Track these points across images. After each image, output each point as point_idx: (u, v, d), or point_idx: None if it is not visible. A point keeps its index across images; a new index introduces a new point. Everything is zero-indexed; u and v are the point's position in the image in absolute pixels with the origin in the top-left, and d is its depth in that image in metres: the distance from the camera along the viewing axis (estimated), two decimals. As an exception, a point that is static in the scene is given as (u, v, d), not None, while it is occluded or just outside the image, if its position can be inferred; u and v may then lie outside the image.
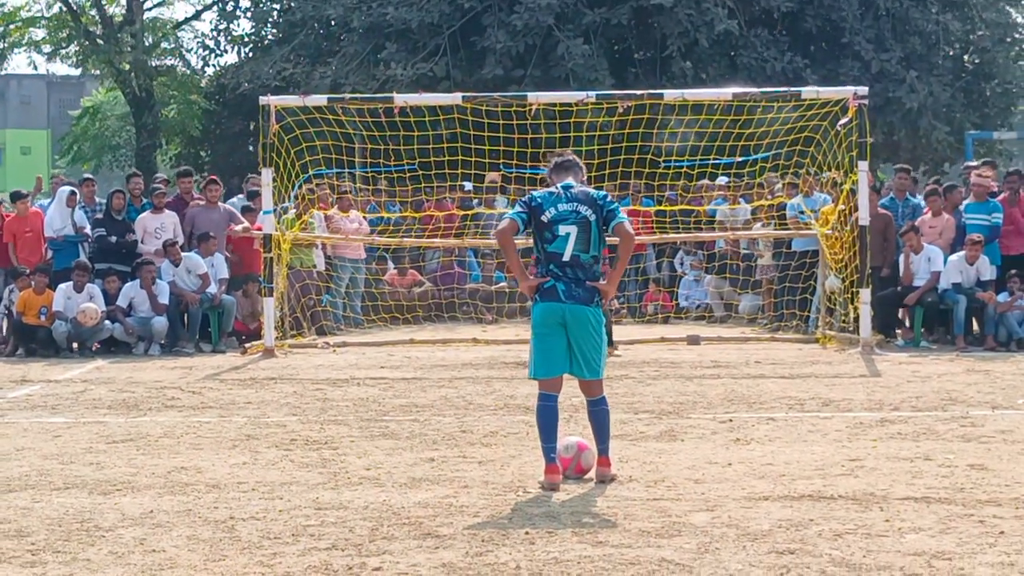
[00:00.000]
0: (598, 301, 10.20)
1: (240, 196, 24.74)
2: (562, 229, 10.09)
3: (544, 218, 10.14)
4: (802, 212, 22.08)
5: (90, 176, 24.08)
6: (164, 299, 20.80)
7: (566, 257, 10.10)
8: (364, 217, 24.41)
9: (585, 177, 10.67)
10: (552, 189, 10.35)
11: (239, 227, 22.41)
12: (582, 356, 10.16)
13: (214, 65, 42.48)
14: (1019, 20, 40.05)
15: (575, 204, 10.14)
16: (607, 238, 10.36)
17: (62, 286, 20.73)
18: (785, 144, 22.87)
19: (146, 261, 21.17)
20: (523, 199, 10.47)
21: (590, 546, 8.16)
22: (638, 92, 22.36)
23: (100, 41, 41.64)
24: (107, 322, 20.61)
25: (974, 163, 25.69)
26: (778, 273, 22.71)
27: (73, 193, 22.10)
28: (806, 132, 21.86)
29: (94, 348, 20.74)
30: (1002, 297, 20.26)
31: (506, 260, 11.10)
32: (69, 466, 11.10)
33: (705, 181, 25.63)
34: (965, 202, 21.69)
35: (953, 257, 20.61)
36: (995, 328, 20.20)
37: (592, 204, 10.17)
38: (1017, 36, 38.69)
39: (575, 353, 10.17)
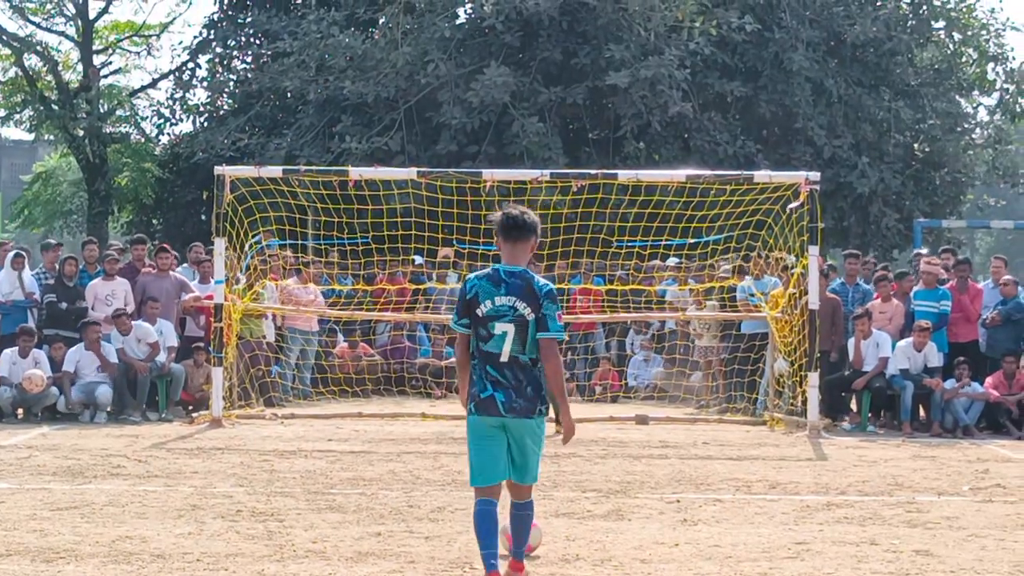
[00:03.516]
0: (541, 410, 9.25)
1: (185, 265, 24.62)
2: (498, 327, 9.15)
3: (479, 312, 9.19)
4: (752, 295, 22.19)
5: (59, 242, 23.87)
6: (113, 358, 20.71)
7: (504, 358, 9.16)
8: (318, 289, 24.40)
9: (537, 243, 9.48)
10: (490, 273, 9.30)
11: (190, 296, 22.34)
12: (522, 462, 9.29)
13: (169, 133, 42.53)
14: (969, 110, 40.54)
15: (513, 299, 9.14)
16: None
17: (7, 351, 20.58)
18: (737, 227, 23.01)
19: (92, 321, 21.03)
20: (461, 292, 9.41)
21: (536, 624, 8.14)
22: (592, 171, 22.49)
23: (55, 107, 41.57)
24: (52, 388, 20.46)
25: (924, 250, 25.92)
26: (727, 355, 22.79)
27: (19, 256, 21.97)
28: (758, 215, 22.01)
29: (39, 414, 20.56)
30: (949, 384, 20.39)
31: (458, 379, 9.72)
32: (12, 533, 11.00)
33: (656, 262, 25.73)
34: (914, 289, 21.87)
35: (901, 343, 20.76)
36: (941, 415, 20.33)
37: (532, 300, 9.14)
38: (967, 126, 39.14)
39: (515, 459, 9.29)
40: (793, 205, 20.47)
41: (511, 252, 9.30)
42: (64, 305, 21.78)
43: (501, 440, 9.21)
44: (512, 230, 9.27)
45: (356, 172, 21.79)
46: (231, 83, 40.61)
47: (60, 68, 42.99)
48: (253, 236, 22.65)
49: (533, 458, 9.28)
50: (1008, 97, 39.00)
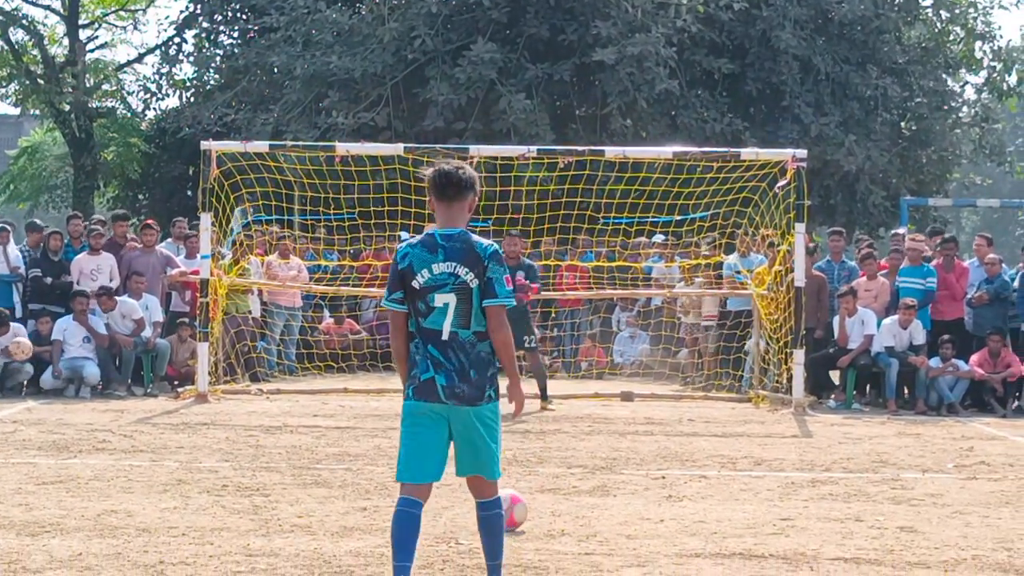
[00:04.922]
0: (491, 395, 7.91)
1: (168, 240, 24.57)
2: (438, 299, 7.87)
3: (416, 284, 7.91)
4: (738, 272, 22.20)
5: (45, 225, 23.72)
6: (102, 330, 20.67)
7: (445, 336, 7.84)
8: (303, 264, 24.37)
9: (475, 201, 8.17)
10: (425, 239, 8.11)
11: (175, 271, 22.31)
12: (471, 457, 7.96)
13: (155, 108, 42.38)
14: (956, 89, 40.53)
15: (453, 264, 7.90)
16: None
17: (-16, 322, 20.54)
18: (723, 204, 23.01)
19: (80, 292, 20.96)
20: (392, 264, 8.16)
21: (521, 599, 8.14)
22: (579, 148, 22.47)
23: (41, 81, 41.45)
24: (27, 364, 20.42)
25: (901, 230, 25.97)
26: (712, 331, 22.80)
27: (3, 230, 21.92)
28: (744, 193, 22.01)
29: (23, 390, 20.51)
30: (934, 362, 20.43)
31: (398, 371, 8.19)
32: (-3, 507, 11.01)
33: (643, 239, 25.71)
34: (900, 266, 21.88)
35: (886, 321, 20.78)
36: (926, 392, 20.37)
37: (475, 264, 7.90)
38: (954, 104, 39.14)
39: (462, 454, 7.99)
40: (780, 184, 20.48)
41: (447, 213, 8.09)
42: (49, 280, 21.73)
43: (440, 431, 7.89)
44: (447, 188, 8.07)
45: (343, 148, 21.78)
46: (218, 58, 40.43)
47: (46, 42, 42.86)
48: (238, 208, 22.62)
49: (486, 451, 7.92)
50: (995, 75, 39.04)
